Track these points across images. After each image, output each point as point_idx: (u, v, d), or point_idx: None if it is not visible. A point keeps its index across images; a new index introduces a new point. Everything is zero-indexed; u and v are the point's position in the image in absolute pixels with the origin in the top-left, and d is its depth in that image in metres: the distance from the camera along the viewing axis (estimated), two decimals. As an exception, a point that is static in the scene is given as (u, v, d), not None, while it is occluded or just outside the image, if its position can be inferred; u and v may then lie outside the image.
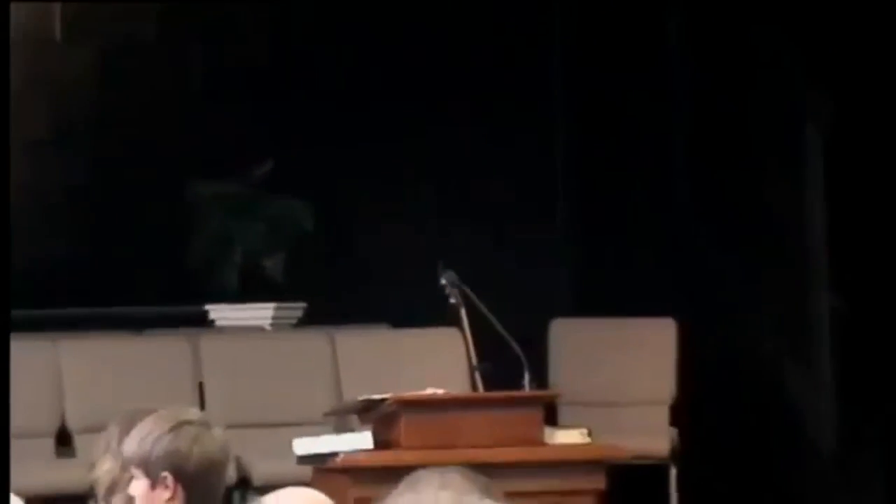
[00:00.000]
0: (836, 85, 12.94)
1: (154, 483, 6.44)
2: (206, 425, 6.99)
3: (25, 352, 11.63)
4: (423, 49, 13.50)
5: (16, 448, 11.08)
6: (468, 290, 9.79)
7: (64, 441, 11.63)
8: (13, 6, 12.64)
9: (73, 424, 11.62)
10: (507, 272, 11.97)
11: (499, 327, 9.81)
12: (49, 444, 11.56)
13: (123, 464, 7.33)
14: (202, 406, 10.56)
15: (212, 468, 6.66)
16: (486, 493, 4.00)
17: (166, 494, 6.49)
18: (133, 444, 6.97)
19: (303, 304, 12.65)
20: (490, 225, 12.73)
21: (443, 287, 9.73)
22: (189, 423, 6.93)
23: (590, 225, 13.10)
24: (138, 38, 12.86)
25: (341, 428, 9.97)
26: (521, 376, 10.00)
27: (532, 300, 12.22)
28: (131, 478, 6.41)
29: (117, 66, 12.93)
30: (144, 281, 12.53)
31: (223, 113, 12.81)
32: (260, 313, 12.68)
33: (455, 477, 5.27)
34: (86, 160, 12.79)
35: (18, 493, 5.86)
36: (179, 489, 6.54)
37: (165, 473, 6.51)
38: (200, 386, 11.46)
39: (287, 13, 13.07)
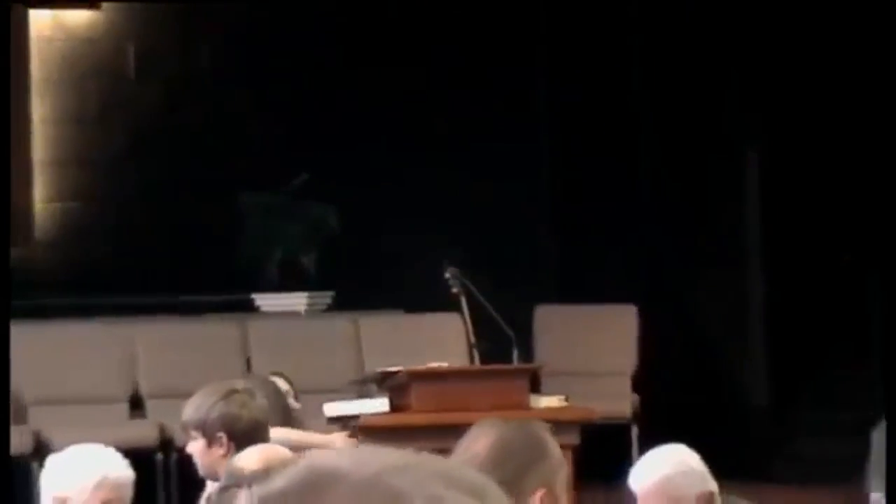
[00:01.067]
0: (770, 109, 12.87)
1: (210, 442, 6.51)
2: (251, 393, 7.09)
3: (106, 333, 12.11)
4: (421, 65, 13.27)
5: (97, 411, 11.21)
6: (468, 283, 9.76)
7: (136, 405, 11.62)
8: (95, 47, 12.81)
9: (143, 392, 11.66)
10: (500, 267, 11.80)
11: (493, 312, 9.77)
12: (124, 407, 11.56)
13: (183, 427, 7.42)
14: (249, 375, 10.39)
15: (258, 428, 6.73)
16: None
17: (221, 451, 6.58)
18: (191, 410, 7.05)
19: (331, 293, 12.63)
20: (486, 227, 12.59)
21: (447, 280, 9.70)
22: (237, 391, 7.03)
23: (568, 229, 12.93)
24: (194, 72, 12.91)
25: (363, 395, 9.95)
26: (511, 353, 9.98)
27: (520, 290, 12.07)
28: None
29: (178, 96, 12.84)
30: (203, 274, 12.42)
31: (265, 133, 12.86)
32: (296, 300, 12.66)
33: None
34: (154, 174, 12.68)
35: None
36: (232, 446, 6.60)
37: (221, 433, 6.59)
38: (248, 360, 11.50)
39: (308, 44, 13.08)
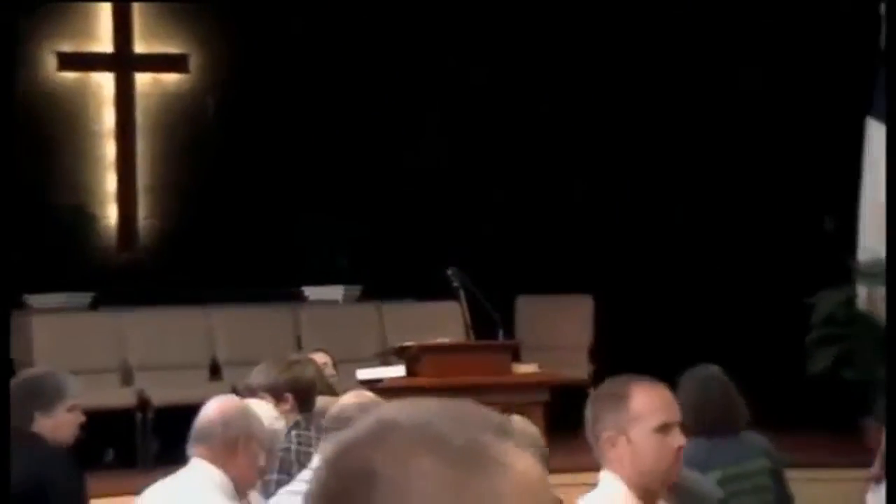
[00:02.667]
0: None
1: (278, 400, 6.55)
2: (305, 364, 7.12)
3: (191, 316, 12.11)
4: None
5: (185, 375, 11.19)
6: (465, 278, 9.72)
7: (214, 371, 11.64)
8: (183, 100, 12.96)
9: (220, 361, 11.66)
10: (490, 265, 11.54)
11: (483, 302, 9.74)
12: (205, 372, 11.58)
13: (249, 388, 7.48)
14: (299, 351, 10.33)
15: (312, 389, 6.76)
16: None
17: (287, 406, 6.57)
18: (261, 377, 7.09)
19: (360, 286, 12.54)
20: (479, 235, 12.44)
21: (448, 276, 9.66)
22: (297, 362, 7.08)
23: (541, 236, 12.75)
24: (257, 116, 12.84)
25: (385, 363, 10.01)
26: (497, 332, 10.00)
27: (506, 284, 11.92)
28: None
29: (244, 134, 12.76)
30: (265, 271, 12.34)
31: (311, 162, 12.79)
32: (334, 292, 12.57)
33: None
34: (228, 195, 12.66)
35: (182, 403, 5.83)
36: (295, 403, 6.65)
37: (287, 393, 6.65)
38: (298, 338, 11.55)
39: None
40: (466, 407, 1.59)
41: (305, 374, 7.04)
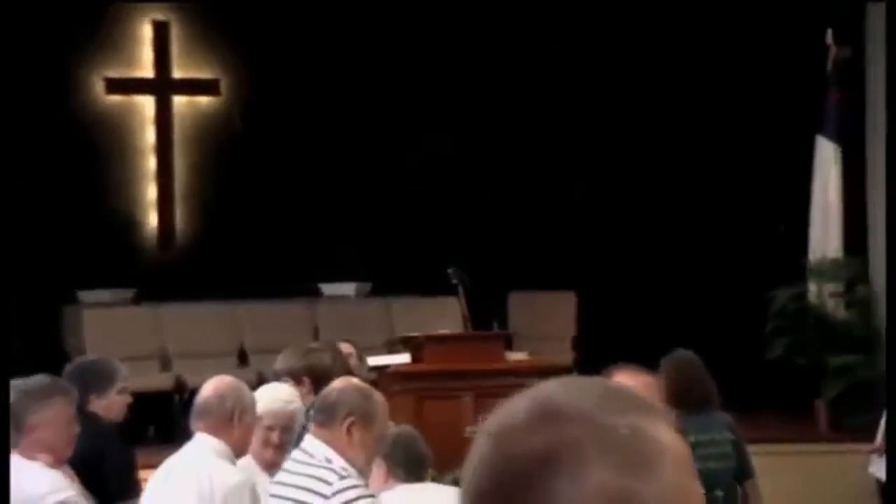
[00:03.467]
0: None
1: (297, 383, 6.53)
2: (322, 351, 7.10)
3: (221, 309, 12.04)
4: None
5: (216, 361, 10.96)
6: (465, 277, 9.66)
7: (242, 358, 11.59)
8: (215, 118, 12.92)
9: (247, 347, 11.66)
10: (486, 265, 11.48)
11: (480, 298, 9.85)
12: (233, 359, 11.49)
13: (275, 374, 7.42)
14: (316, 340, 10.39)
15: (329, 374, 6.72)
16: None
17: (305, 389, 6.55)
18: (282, 363, 7.05)
19: (370, 283, 12.43)
20: (477, 237, 12.26)
21: (449, 275, 9.61)
22: (314, 349, 7.05)
23: (530, 237, 12.55)
24: (281, 132, 12.70)
25: (392, 351, 10.02)
26: (492, 324, 10.22)
27: (500, 281, 11.96)
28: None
29: (269, 147, 12.62)
30: (286, 269, 12.17)
31: (326, 171, 12.65)
32: (347, 288, 12.44)
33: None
34: (254, 202, 12.54)
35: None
36: (312, 387, 6.63)
37: (305, 377, 6.64)
38: (315, 329, 11.54)
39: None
40: (617, 389, 1.53)
41: (322, 361, 6.97)
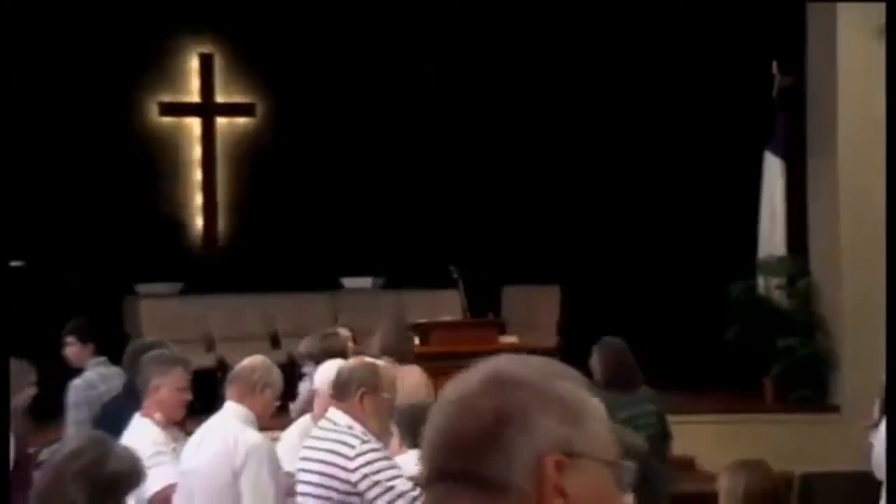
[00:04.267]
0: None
1: (317, 364, 6.50)
2: (335, 336, 7.23)
3: (256, 300, 11.97)
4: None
5: (252, 344, 10.53)
6: (465, 273, 9.79)
7: (274, 342, 11.53)
8: (251, 136, 12.95)
9: (279, 332, 11.64)
10: (483, 263, 11.48)
11: (477, 291, 10.05)
12: (267, 342, 11.39)
13: (299, 356, 7.53)
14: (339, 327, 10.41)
15: (341, 355, 6.58)
16: None
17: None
18: (304, 346, 7.20)
19: (384, 278, 12.40)
20: (475, 240, 12.18)
21: (451, 271, 9.74)
22: (329, 334, 7.23)
23: (520, 240, 12.42)
24: (307, 148, 12.68)
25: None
26: (488, 313, 10.33)
27: (494, 277, 11.88)
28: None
29: (296, 160, 12.60)
30: (311, 265, 12.15)
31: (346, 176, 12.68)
32: (364, 282, 12.40)
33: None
34: (282, 210, 12.57)
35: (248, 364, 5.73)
36: None
37: (323, 359, 6.58)
38: (336, 317, 11.35)
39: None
40: (550, 362, 1.57)
41: (335, 345, 7.03)
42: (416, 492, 4.93)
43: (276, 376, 5.60)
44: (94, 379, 7.67)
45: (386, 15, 12.25)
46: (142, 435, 5.51)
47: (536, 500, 1.47)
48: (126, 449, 3.72)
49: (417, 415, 5.47)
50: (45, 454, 7.55)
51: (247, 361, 5.61)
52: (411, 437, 5.44)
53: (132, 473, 3.54)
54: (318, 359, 6.79)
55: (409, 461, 5.23)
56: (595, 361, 7.09)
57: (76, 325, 8.18)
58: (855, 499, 6.66)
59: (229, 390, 5.48)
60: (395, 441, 5.52)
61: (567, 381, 1.54)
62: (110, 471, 3.45)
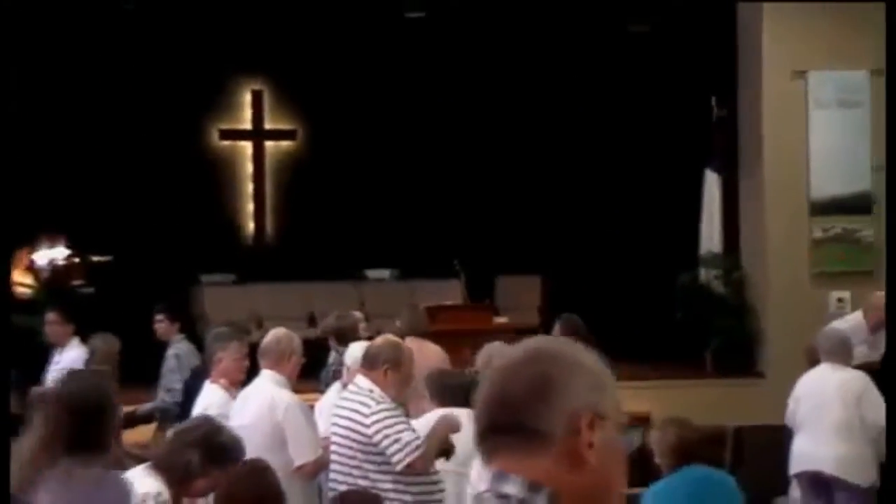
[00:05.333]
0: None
1: (338, 342, 6.69)
2: (348, 317, 7.24)
3: (296, 288, 11.78)
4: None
5: (294, 323, 9.76)
6: (465, 266, 9.75)
7: (311, 321, 10.76)
8: (292, 155, 12.78)
9: (316, 312, 10.87)
10: (481, 257, 11.19)
11: (476, 281, 10.08)
12: (304, 322, 10.76)
13: (322, 331, 7.46)
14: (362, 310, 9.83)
15: (350, 333, 6.72)
16: None
17: (334, 342, 6.75)
18: (324, 325, 7.25)
19: (399, 269, 12.19)
20: (474, 239, 11.82)
21: (455, 265, 9.72)
22: (342, 315, 7.20)
23: (510, 239, 12.13)
24: (334, 165, 12.39)
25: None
26: (484, 299, 10.42)
27: (490, 269, 11.65)
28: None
29: (334, 175, 12.30)
30: (341, 259, 11.96)
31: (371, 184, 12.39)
32: (383, 273, 12.21)
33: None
34: (319, 216, 12.35)
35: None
36: (336, 342, 6.75)
37: (332, 336, 6.81)
38: (362, 303, 10.97)
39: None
40: (575, 343, 1.56)
41: (346, 324, 7.00)
42: (420, 441, 4.93)
43: (298, 344, 5.52)
44: (185, 353, 7.82)
45: (394, 57, 12.03)
46: (210, 398, 5.61)
47: (571, 448, 1.45)
48: (232, 430, 3.96)
49: (444, 380, 5.51)
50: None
51: (271, 335, 5.54)
52: (439, 398, 5.36)
53: (235, 447, 3.77)
54: (336, 333, 6.84)
55: (434, 417, 5.20)
56: (555, 332, 7.15)
57: (167, 305, 8.18)
58: (774, 445, 6.63)
59: (263, 360, 5.43)
60: (424, 401, 5.44)
61: (591, 357, 1.53)
62: (219, 441, 3.71)
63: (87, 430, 3.30)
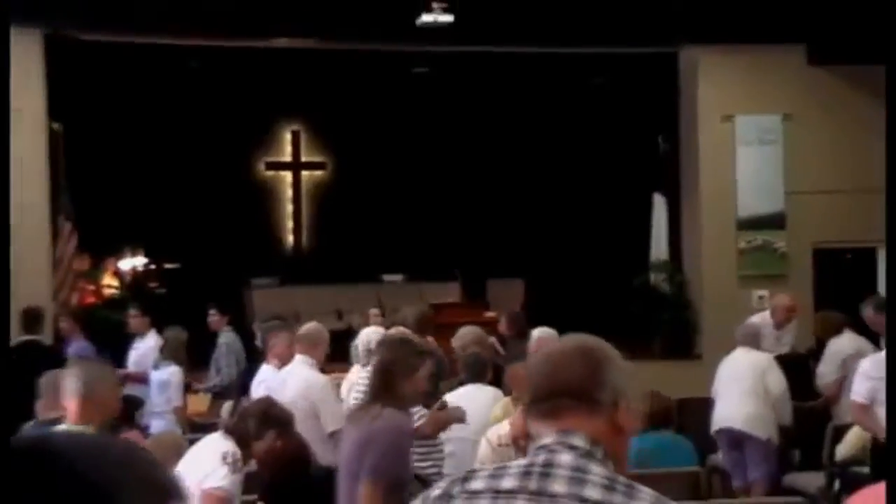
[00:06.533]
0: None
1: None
2: (369, 314, 7.40)
3: (326, 288, 11.56)
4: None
5: (325, 317, 8.77)
6: (463, 273, 9.98)
7: (339, 315, 10.69)
8: (331, 183, 12.84)
9: (342, 309, 10.98)
10: (475, 264, 11.18)
11: (471, 283, 10.27)
12: (334, 316, 10.68)
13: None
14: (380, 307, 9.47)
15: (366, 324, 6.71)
16: None
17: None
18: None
19: (409, 274, 11.82)
20: (470, 249, 11.79)
21: (454, 271, 10.00)
22: (368, 313, 7.30)
23: (499, 249, 11.98)
24: (362, 191, 12.43)
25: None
26: (478, 297, 10.28)
27: (482, 273, 11.37)
28: None
29: (359, 197, 12.32)
30: (363, 266, 11.80)
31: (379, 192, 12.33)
32: (396, 277, 11.85)
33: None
34: (343, 228, 12.31)
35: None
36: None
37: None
38: (379, 299, 10.60)
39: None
40: (607, 343, 1.54)
41: (363, 320, 7.01)
42: (423, 412, 4.71)
43: (326, 335, 5.43)
44: (231, 341, 7.87)
45: (403, 104, 11.93)
46: (265, 374, 5.61)
47: (613, 417, 1.47)
48: (285, 406, 3.91)
49: (480, 359, 5.33)
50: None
51: (306, 327, 5.46)
52: (471, 375, 5.21)
53: (284, 416, 3.79)
54: (361, 326, 6.89)
55: (469, 391, 5.04)
56: (502, 322, 7.22)
57: (218, 302, 8.24)
58: (709, 413, 6.60)
59: (298, 346, 5.34)
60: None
61: (616, 352, 1.55)
62: (274, 413, 3.76)
63: None
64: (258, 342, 6.60)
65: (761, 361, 6.34)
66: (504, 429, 4.19)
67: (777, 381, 6.22)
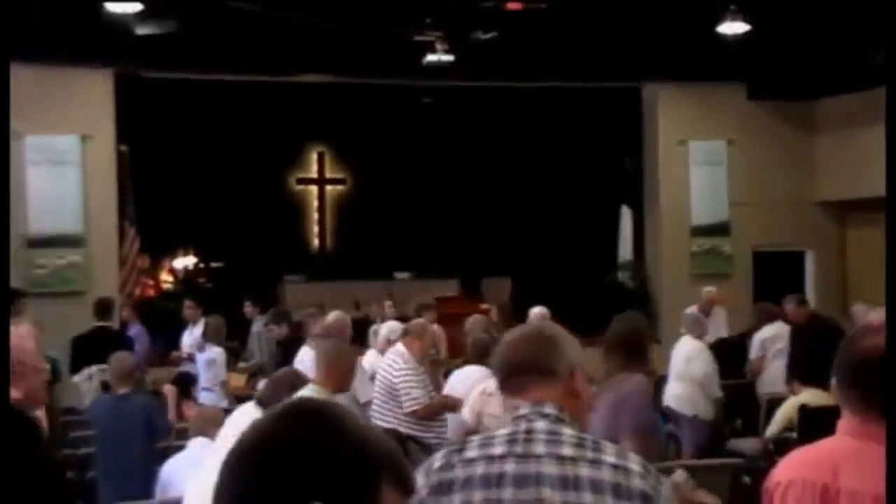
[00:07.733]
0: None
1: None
2: (381, 304, 7.31)
3: (347, 284, 11.06)
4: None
5: (346, 308, 8.26)
6: (462, 272, 10.01)
7: (357, 307, 9.93)
8: (342, 199, 12.43)
9: (360, 301, 10.19)
10: (473, 265, 11.10)
11: (468, 281, 10.33)
12: (353, 308, 9.22)
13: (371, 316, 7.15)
14: (392, 299, 9.21)
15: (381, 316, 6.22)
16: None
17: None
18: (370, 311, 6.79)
19: (416, 271, 11.53)
20: (467, 251, 11.54)
21: (454, 268, 10.02)
22: (379, 304, 7.08)
23: (491, 251, 11.61)
24: (380, 204, 12.08)
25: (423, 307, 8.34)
26: (474, 293, 10.25)
27: (478, 272, 11.22)
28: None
29: (377, 209, 11.94)
30: (377, 265, 11.48)
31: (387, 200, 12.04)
32: (405, 274, 11.44)
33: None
34: (361, 232, 11.92)
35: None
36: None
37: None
38: (391, 294, 9.88)
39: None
40: (559, 327, 1.55)
41: (374, 311, 6.91)
42: (423, 397, 4.75)
43: (349, 323, 5.50)
44: (263, 329, 7.84)
45: (413, 129, 11.79)
46: (304, 354, 5.41)
47: (569, 385, 1.49)
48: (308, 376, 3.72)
49: (485, 344, 5.27)
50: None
51: (331, 316, 5.53)
52: (475, 356, 5.19)
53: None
54: (376, 316, 7.01)
55: (474, 371, 5.03)
56: (493, 311, 7.35)
57: (251, 294, 8.38)
58: (663, 388, 6.48)
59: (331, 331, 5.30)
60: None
61: (568, 333, 1.55)
62: (300, 382, 3.60)
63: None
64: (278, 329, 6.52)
65: (690, 349, 6.33)
66: (491, 385, 4.36)
67: (699, 366, 6.19)
